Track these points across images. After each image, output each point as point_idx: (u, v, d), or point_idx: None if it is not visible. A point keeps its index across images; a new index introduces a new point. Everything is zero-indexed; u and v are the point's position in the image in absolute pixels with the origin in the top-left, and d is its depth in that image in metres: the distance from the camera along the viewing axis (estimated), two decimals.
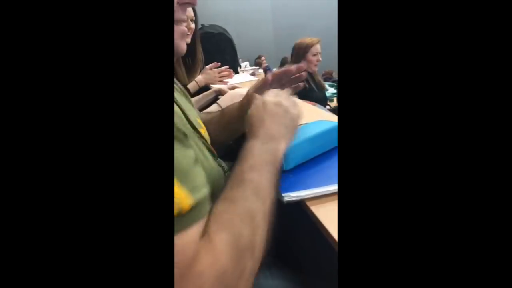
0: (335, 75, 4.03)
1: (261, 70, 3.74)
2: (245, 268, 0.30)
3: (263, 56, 5.24)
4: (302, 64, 0.66)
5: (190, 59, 1.35)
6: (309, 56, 2.10)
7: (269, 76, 0.77)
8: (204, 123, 0.67)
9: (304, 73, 0.67)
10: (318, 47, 2.11)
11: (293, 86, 0.69)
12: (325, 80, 3.65)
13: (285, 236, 0.69)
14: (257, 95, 0.50)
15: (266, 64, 4.68)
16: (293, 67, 0.65)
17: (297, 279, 0.57)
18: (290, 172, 0.60)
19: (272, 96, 0.49)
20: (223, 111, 0.84)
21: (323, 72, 4.56)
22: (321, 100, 2.10)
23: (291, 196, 0.51)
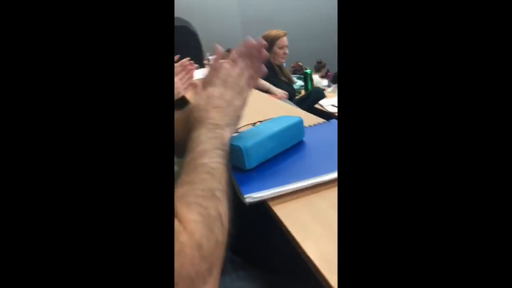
0: (303, 68, 4.08)
1: None
2: (217, 237, 0.33)
3: (232, 50, 5.17)
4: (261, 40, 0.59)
5: None
6: (275, 49, 2.08)
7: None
8: None
9: (264, 52, 0.59)
10: (284, 40, 2.09)
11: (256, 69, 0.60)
12: (294, 73, 3.68)
13: (252, 237, 0.68)
14: (200, 87, 0.52)
15: None
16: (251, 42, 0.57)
17: (264, 280, 0.56)
18: (253, 171, 0.58)
19: (217, 85, 0.50)
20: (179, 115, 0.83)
21: (292, 65, 4.59)
22: (290, 94, 2.10)
23: (252, 197, 0.49)
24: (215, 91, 0.50)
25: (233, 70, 0.53)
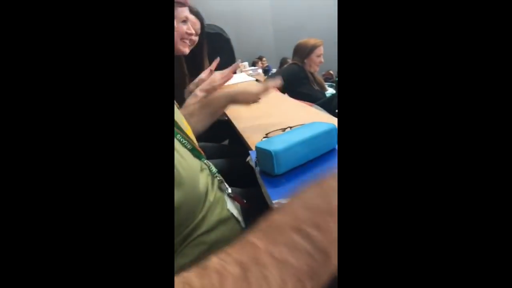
0: (334, 76, 4.04)
1: (260, 70, 3.73)
2: None
3: (264, 57, 5.22)
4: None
5: (195, 62, 1.33)
6: (313, 57, 2.10)
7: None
8: (185, 116, 0.67)
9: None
10: (321, 49, 2.12)
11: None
12: (325, 81, 3.64)
13: None
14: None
15: (267, 64, 4.66)
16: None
17: None
18: (282, 177, 0.56)
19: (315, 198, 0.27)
20: (205, 102, 0.85)
21: (324, 73, 4.54)
22: (318, 99, 2.07)
23: (281, 203, 0.48)
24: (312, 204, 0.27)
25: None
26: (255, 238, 0.24)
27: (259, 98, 0.88)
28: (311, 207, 0.25)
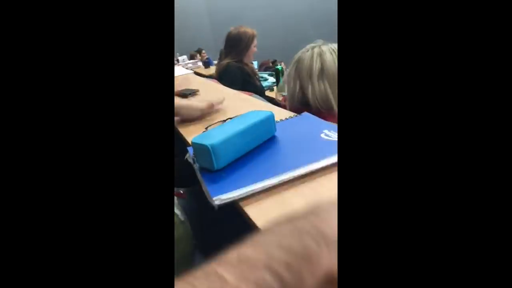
0: (271, 64, 4.09)
1: (200, 63, 3.65)
2: None
3: (203, 49, 5.11)
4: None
5: None
6: (253, 47, 2.03)
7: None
8: None
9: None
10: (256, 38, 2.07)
11: None
12: (264, 70, 3.68)
13: (227, 240, 0.64)
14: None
15: (207, 57, 4.58)
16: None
17: None
18: (222, 172, 0.54)
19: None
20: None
21: (262, 62, 4.59)
22: (259, 90, 2.07)
23: (221, 199, 0.46)
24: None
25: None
26: (224, 271, 0.23)
27: (204, 114, 0.88)
28: (285, 247, 0.24)
